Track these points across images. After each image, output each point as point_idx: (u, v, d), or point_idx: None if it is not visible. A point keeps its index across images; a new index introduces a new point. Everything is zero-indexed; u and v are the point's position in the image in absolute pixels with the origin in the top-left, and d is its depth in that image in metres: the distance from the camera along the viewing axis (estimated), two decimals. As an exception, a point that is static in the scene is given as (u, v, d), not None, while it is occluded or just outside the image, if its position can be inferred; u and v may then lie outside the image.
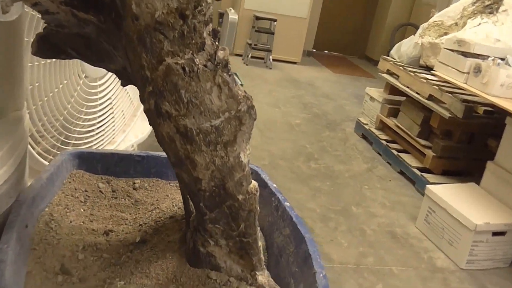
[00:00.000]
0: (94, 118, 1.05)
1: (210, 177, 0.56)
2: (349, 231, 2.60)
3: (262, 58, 5.40)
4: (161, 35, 0.46)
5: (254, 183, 0.61)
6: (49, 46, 0.55)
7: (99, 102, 1.05)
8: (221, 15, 5.63)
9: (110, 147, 1.17)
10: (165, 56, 0.47)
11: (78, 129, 1.00)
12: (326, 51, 6.57)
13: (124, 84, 0.57)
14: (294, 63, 5.85)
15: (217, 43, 0.50)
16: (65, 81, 0.91)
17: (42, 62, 0.85)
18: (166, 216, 0.81)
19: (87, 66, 0.97)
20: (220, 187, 0.57)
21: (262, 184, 0.93)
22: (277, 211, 0.85)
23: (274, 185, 0.90)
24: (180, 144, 0.53)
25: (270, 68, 5.37)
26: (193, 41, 0.48)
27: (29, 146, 0.88)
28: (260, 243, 0.66)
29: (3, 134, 0.63)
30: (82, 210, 0.83)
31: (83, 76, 0.97)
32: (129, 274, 0.70)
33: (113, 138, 1.18)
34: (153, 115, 0.51)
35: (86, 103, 0.99)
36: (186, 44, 0.47)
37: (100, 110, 1.06)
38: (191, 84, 0.49)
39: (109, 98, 1.10)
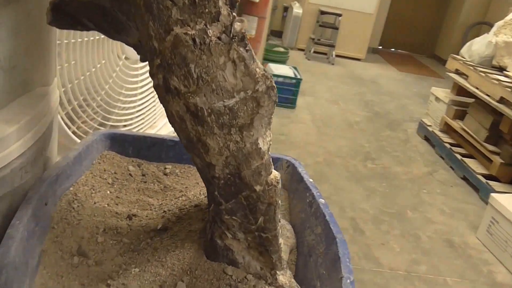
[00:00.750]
0: (134, 101, 1.03)
1: (224, 164, 0.51)
2: (402, 235, 2.48)
3: (325, 54, 5.29)
4: (169, 1, 0.41)
5: (275, 174, 0.55)
6: (64, 16, 0.52)
7: (140, 85, 1.03)
8: (286, 9, 5.56)
9: (150, 131, 1.15)
10: (173, 25, 0.42)
11: (116, 110, 0.98)
12: (393, 49, 6.34)
13: (142, 60, 0.53)
14: (358, 59, 5.69)
15: (234, 13, 0.45)
16: (103, 61, 0.89)
17: (79, 40, 0.84)
18: (191, 204, 0.77)
19: (127, 48, 0.95)
20: (235, 175, 0.52)
21: (298, 178, 0.87)
22: (311, 208, 0.79)
23: (311, 180, 0.84)
24: (191, 125, 0.48)
25: (333, 64, 5.25)
26: (206, 10, 0.43)
27: (64, 125, 0.88)
28: (281, 240, 0.61)
29: (23, 107, 0.62)
30: (108, 192, 0.81)
31: (123, 57, 0.95)
32: (145, 262, 0.67)
33: (154, 122, 1.16)
34: (162, 91, 0.47)
35: (125, 85, 0.98)
36: (198, 13, 0.43)
37: (140, 93, 1.04)
38: (202, 58, 0.44)
39: (150, 82, 1.07)
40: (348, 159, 3.23)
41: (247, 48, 0.46)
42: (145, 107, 1.10)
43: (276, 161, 0.90)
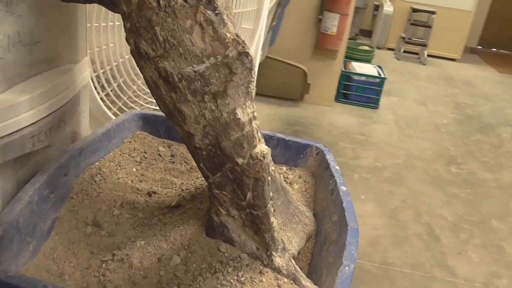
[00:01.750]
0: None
1: (203, 133, 0.51)
2: (483, 246, 2.30)
3: (416, 53, 5.06)
4: (130, -38, 0.42)
5: (262, 148, 0.53)
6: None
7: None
8: (376, 8, 5.41)
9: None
10: None
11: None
12: (494, 49, 5.90)
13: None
14: (453, 60, 5.37)
15: None
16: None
17: (117, 23, 0.88)
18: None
19: None
20: (216, 146, 0.51)
21: (325, 165, 0.84)
22: (332, 195, 0.76)
23: (337, 167, 0.81)
24: (165, 92, 0.48)
25: (424, 64, 5.01)
26: None
27: (103, 106, 0.92)
28: (274, 220, 0.58)
29: (42, 81, 0.65)
30: (134, 169, 0.83)
31: None
32: (152, 236, 0.68)
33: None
34: (136, 56, 0.47)
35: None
36: None
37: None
38: (167, 21, 0.44)
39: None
40: (430, 163, 3.06)
41: (216, 11, 0.45)
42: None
43: (306, 147, 0.88)
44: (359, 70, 3.71)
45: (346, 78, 3.70)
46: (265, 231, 0.58)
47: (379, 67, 3.83)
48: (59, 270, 0.63)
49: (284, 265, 0.62)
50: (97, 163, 0.79)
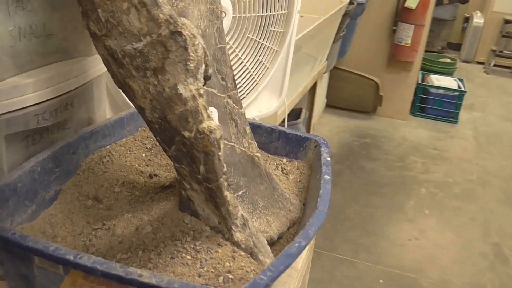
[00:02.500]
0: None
1: (151, 107, 0.56)
2: (553, 271, 2.12)
3: (509, 67, 4.76)
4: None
5: (209, 124, 0.58)
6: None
7: (209, 69, 1.13)
8: (466, 20, 5.18)
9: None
10: None
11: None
12: None
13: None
14: (550, 73, 4.96)
15: None
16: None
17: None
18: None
19: None
20: (163, 119, 0.57)
21: (317, 157, 0.86)
22: (317, 184, 0.78)
23: (328, 159, 0.82)
24: (115, 68, 0.55)
25: (516, 79, 4.69)
26: None
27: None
28: (228, 194, 0.62)
29: (51, 68, 0.75)
30: (143, 155, 0.91)
31: None
32: (139, 210, 0.75)
33: (242, 98, 1.25)
34: (90, 36, 0.54)
35: None
36: None
37: (210, 78, 1.14)
38: (106, 3, 0.51)
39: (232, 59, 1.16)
40: (508, 180, 2.87)
41: None
42: (217, 91, 1.19)
43: (305, 140, 0.90)
44: (437, 83, 3.58)
45: (422, 91, 3.58)
46: (220, 204, 0.62)
47: (460, 80, 3.66)
48: (54, 233, 0.71)
49: (244, 240, 0.65)
50: (108, 147, 0.88)
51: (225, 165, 0.62)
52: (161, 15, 0.51)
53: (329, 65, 2.78)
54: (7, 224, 0.67)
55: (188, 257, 0.62)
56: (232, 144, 0.76)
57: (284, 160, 0.92)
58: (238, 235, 0.65)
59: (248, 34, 1.19)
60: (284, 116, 1.73)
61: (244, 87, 1.26)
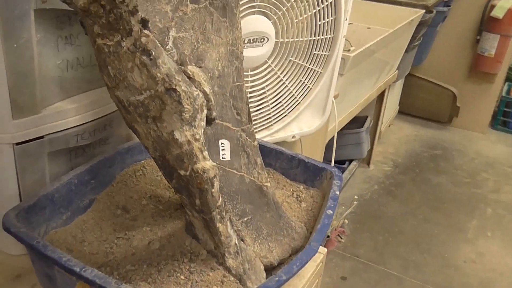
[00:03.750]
0: (243, 103, 1.21)
1: (153, 147, 0.65)
2: None
3: None
4: (90, 20, 0.59)
5: (204, 165, 0.65)
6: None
7: (249, 90, 1.20)
8: None
9: (265, 133, 1.30)
10: (96, 38, 0.59)
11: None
12: None
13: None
14: None
15: (146, 31, 0.59)
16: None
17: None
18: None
19: None
20: (163, 158, 0.65)
21: (329, 188, 0.90)
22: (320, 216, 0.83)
23: (337, 192, 0.87)
24: (124, 113, 0.64)
25: None
26: (121, 27, 0.58)
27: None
28: (220, 225, 0.70)
29: (93, 94, 0.87)
30: (174, 170, 1.01)
31: None
32: (157, 225, 0.85)
33: (270, 125, 1.31)
34: (106, 86, 0.64)
35: None
36: (115, 29, 0.58)
37: (249, 98, 1.21)
38: (115, 62, 0.59)
39: (262, 88, 1.23)
40: None
41: (150, 57, 0.59)
42: (255, 111, 1.26)
43: (322, 170, 0.95)
44: (521, 96, 3.38)
45: (506, 104, 3.40)
46: (214, 234, 0.70)
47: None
48: (83, 237, 0.83)
49: (235, 266, 0.73)
50: (142, 161, 0.99)
51: (220, 198, 0.69)
52: (158, 74, 0.59)
53: (401, 74, 2.73)
54: (43, 228, 0.79)
55: (182, 277, 0.71)
56: (242, 174, 0.83)
57: (301, 187, 0.97)
58: (230, 262, 0.73)
59: (291, 57, 1.25)
60: (336, 130, 1.76)
61: (285, 106, 1.32)
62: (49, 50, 0.78)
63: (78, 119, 0.84)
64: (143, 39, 0.58)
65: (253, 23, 1.14)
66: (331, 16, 1.26)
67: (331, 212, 0.82)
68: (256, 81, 1.22)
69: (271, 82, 1.26)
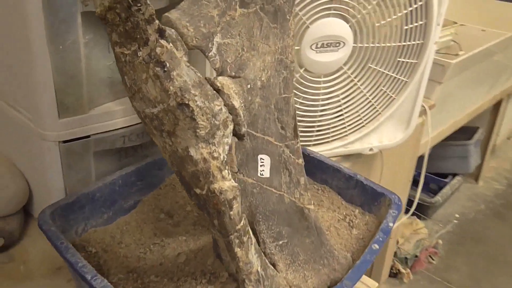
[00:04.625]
0: (314, 111, 1.14)
1: (170, 162, 0.62)
2: None
3: None
4: (108, 28, 0.56)
5: (222, 185, 0.60)
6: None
7: (322, 97, 1.12)
8: None
9: (339, 143, 1.22)
10: (114, 46, 0.57)
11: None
12: None
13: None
14: None
15: (162, 41, 0.55)
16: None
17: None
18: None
19: (309, 61, 1.06)
20: (180, 174, 0.61)
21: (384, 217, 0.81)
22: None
23: (390, 224, 0.77)
24: (143, 124, 0.61)
25: None
26: (138, 36, 0.55)
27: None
28: (238, 251, 0.64)
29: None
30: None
31: (301, 70, 1.07)
32: (193, 235, 0.82)
33: (345, 136, 1.22)
34: (128, 94, 0.62)
35: (303, 95, 1.10)
36: (132, 38, 0.55)
37: (322, 105, 1.14)
38: (130, 72, 0.57)
39: (336, 96, 1.14)
40: None
41: (164, 69, 0.55)
42: (329, 119, 1.18)
43: (381, 195, 0.85)
44: None
45: None
46: (232, 258, 0.65)
47: None
48: (121, 239, 0.83)
49: (253, 295, 0.67)
50: (195, 167, 0.97)
51: (242, 221, 0.64)
52: (171, 88, 0.55)
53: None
54: (81, 226, 0.80)
55: (196, 298, 0.67)
56: (282, 193, 0.77)
57: (357, 211, 0.89)
58: (249, 290, 0.67)
59: (370, 64, 1.15)
60: (429, 144, 1.61)
61: (363, 116, 1.22)
62: (98, 52, 0.78)
63: (126, 121, 0.83)
64: (158, 50, 0.55)
65: (328, 26, 1.07)
66: (421, 21, 1.14)
67: (377, 247, 0.73)
68: (328, 88, 1.14)
69: (347, 90, 1.17)
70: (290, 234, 0.77)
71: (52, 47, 0.71)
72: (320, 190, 0.93)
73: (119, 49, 0.57)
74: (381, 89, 1.20)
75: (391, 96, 1.22)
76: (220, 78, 0.65)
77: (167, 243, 0.81)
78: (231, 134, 0.65)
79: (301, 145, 1.19)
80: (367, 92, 1.19)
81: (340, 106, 1.18)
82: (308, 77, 1.11)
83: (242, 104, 0.66)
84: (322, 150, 1.22)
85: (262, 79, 0.74)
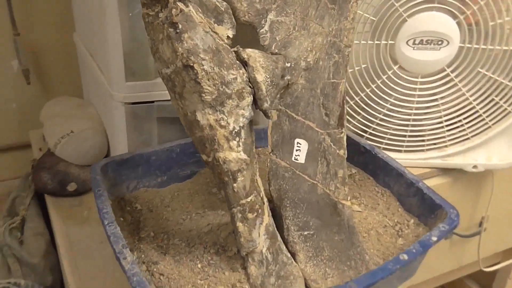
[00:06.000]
0: (407, 113, 1.05)
1: (184, 123, 0.63)
2: None
3: None
4: (138, -12, 0.60)
5: (227, 155, 0.59)
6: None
7: (417, 99, 1.03)
8: None
9: (435, 154, 1.10)
10: (142, 7, 0.60)
11: (376, 119, 1.05)
12: None
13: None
14: None
15: (179, 3, 0.57)
16: (363, 65, 0.99)
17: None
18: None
19: (403, 58, 0.99)
20: (192, 136, 0.63)
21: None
22: (391, 258, 0.68)
23: (434, 238, 0.68)
24: (164, 84, 0.64)
25: None
26: None
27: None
28: (240, 225, 0.63)
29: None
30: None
31: (395, 66, 1.00)
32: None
33: (444, 146, 1.10)
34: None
35: (395, 94, 1.02)
36: (157, 0, 0.59)
37: (417, 108, 1.04)
38: (151, 32, 0.59)
39: (435, 100, 1.04)
40: None
41: (177, 30, 0.56)
42: (424, 125, 1.07)
43: (437, 207, 0.76)
44: None
45: None
46: (235, 232, 0.65)
47: None
48: (169, 203, 0.87)
49: (255, 275, 0.65)
50: (259, 149, 0.97)
51: (249, 197, 0.63)
52: (180, 49, 0.56)
53: None
54: (133, 183, 0.86)
55: (199, 265, 0.68)
56: (315, 182, 0.73)
57: (412, 221, 0.80)
58: (252, 269, 0.66)
59: (480, 68, 1.02)
60: None
61: (467, 127, 1.09)
62: (169, 22, 0.83)
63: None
64: (174, 11, 0.57)
65: (430, 21, 0.98)
66: (548, 23, 0.98)
67: (406, 257, 0.65)
68: (426, 90, 1.05)
69: (448, 95, 1.07)
70: (318, 226, 0.73)
71: (122, 14, 0.77)
72: (380, 193, 0.85)
73: (146, 10, 0.60)
74: (493, 99, 1.06)
75: (506, 108, 1.06)
76: (249, 50, 0.65)
77: (207, 215, 0.83)
78: (250, 107, 0.64)
79: (391, 149, 1.12)
80: (475, 100, 1.06)
81: (439, 112, 1.07)
82: (402, 75, 1.02)
83: (269, 80, 0.64)
84: (415, 159, 1.13)
85: (308, 60, 0.71)
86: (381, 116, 1.07)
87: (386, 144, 1.11)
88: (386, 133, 1.10)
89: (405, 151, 1.13)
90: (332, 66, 0.73)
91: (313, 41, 0.71)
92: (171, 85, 0.61)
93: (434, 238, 0.69)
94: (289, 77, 0.70)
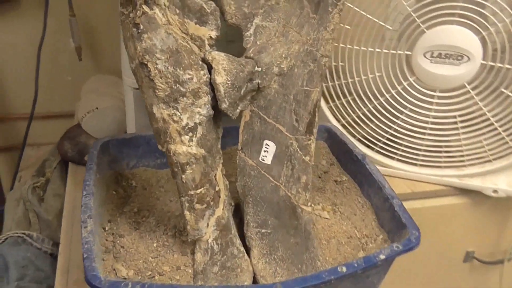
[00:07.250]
0: (423, 127, 1.02)
1: (147, 114, 0.69)
2: None
3: None
4: (118, -11, 0.66)
5: (177, 148, 0.64)
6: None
7: (433, 114, 1.00)
8: None
9: (452, 172, 1.06)
10: (120, 5, 0.66)
11: (390, 130, 1.03)
12: None
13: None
14: None
15: (144, 6, 0.62)
16: (378, 74, 0.98)
17: (356, 47, 0.97)
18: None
19: (420, 70, 0.97)
20: (151, 125, 0.69)
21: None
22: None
23: (381, 256, 0.68)
24: (137, 78, 0.70)
25: None
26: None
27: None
28: (187, 213, 0.68)
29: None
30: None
31: (411, 78, 0.98)
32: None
33: (462, 166, 1.05)
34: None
35: (410, 106, 1.00)
36: (131, 1, 0.64)
37: (433, 123, 1.01)
38: (123, 29, 0.65)
39: (453, 117, 1.00)
40: None
41: (138, 30, 0.61)
42: (441, 141, 1.04)
43: (403, 227, 0.75)
44: None
45: None
46: (183, 218, 0.70)
47: None
48: (164, 183, 0.94)
49: (198, 261, 0.70)
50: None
51: (199, 189, 0.68)
52: (138, 47, 0.62)
53: None
54: (133, 161, 0.94)
55: (155, 245, 0.74)
56: (278, 184, 0.76)
57: (381, 236, 0.79)
58: (198, 255, 0.71)
59: (504, 88, 0.97)
60: None
61: (488, 149, 1.04)
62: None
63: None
64: (138, 13, 0.62)
65: (450, 34, 0.96)
66: None
67: (344, 270, 0.66)
68: (444, 105, 1.02)
69: (468, 113, 1.03)
70: (276, 226, 0.76)
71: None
72: (361, 204, 0.86)
73: (122, 9, 0.67)
74: (516, 121, 1.00)
75: (530, 133, 1.00)
76: (215, 52, 0.69)
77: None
78: (207, 106, 0.68)
79: (405, 162, 1.10)
80: (497, 122, 1.00)
81: (457, 129, 1.03)
82: (418, 87, 1.00)
83: (229, 82, 0.68)
84: (431, 174, 1.09)
85: (282, 66, 0.73)
86: (395, 126, 1.05)
87: (400, 155, 1.09)
88: (400, 144, 1.08)
89: (421, 165, 1.10)
90: (307, 74, 0.75)
91: (289, 48, 0.73)
92: (136, 78, 0.67)
93: (382, 257, 0.68)
94: (259, 81, 0.72)
